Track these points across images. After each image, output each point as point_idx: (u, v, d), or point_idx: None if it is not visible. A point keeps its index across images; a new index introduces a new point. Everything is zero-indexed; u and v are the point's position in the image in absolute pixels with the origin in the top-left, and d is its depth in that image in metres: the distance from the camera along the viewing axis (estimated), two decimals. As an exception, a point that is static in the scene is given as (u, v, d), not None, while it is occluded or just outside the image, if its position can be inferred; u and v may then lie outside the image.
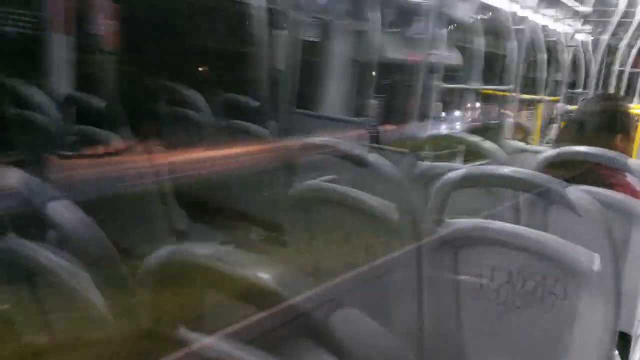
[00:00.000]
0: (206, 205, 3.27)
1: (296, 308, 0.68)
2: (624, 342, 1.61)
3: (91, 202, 1.13)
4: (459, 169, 1.79)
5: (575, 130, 2.38)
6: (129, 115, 2.61)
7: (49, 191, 1.03)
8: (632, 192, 2.21)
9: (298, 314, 0.68)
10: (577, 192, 1.52)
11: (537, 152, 2.85)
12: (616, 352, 1.68)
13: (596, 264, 1.47)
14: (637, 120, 5.36)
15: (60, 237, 1.03)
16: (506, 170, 1.66)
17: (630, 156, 2.39)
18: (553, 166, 2.29)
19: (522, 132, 5.69)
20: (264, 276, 0.72)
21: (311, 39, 4.79)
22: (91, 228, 1.00)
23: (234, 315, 0.82)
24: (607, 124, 2.36)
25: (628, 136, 2.40)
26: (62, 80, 2.94)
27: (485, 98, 6.43)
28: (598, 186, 2.13)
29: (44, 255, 1.13)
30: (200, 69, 4.29)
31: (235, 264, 0.75)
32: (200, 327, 0.86)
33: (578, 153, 2.28)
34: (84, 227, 1.01)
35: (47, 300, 1.19)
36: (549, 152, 2.36)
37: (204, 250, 0.79)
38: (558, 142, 2.46)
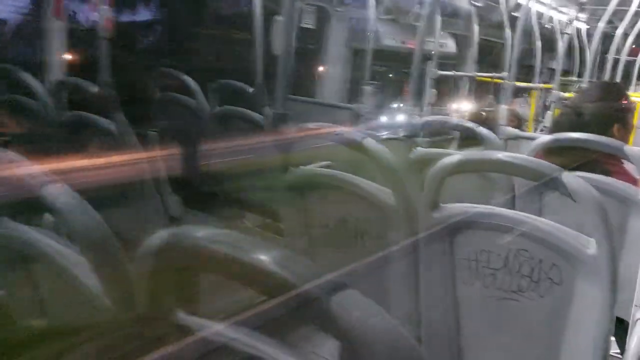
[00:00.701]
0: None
1: (297, 291, 0.68)
2: (621, 328, 1.62)
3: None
4: (454, 155, 1.79)
5: (572, 117, 2.37)
6: (122, 101, 2.60)
7: (44, 174, 1.02)
8: (629, 179, 2.21)
9: (299, 297, 0.68)
10: (572, 178, 1.53)
11: (531, 138, 2.85)
12: (613, 338, 1.70)
13: (592, 248, 1.48)
14: (634, 109, 5.37)
15: (57, 221, 1.02)
16: (501, 155, 1.66)
17: (627, 140, 2.39)
18: (550, 153, 2.29)
19: (517, 119, 5.70)
20: (264, 258, 0.71)
21: (307, 26, 4.78)
22: (88, 212, 0.99)
23: (233, 299, 0.82)
24: (605, 112, 2.35)
25: (626, 125, 2.40)
26: (56, 66, 2.93)
27: (480, 85, 6.44)
28: (595, 173, 2.13)
29: (40, 239, 1.12)
30: (195, 55, 4.28)
31: (234, 246, 0.74)
32: (199, 311, 0.86)
33: (573, 139, 2.27)
34: (81, 211, 1.00)
35: (43, 285, 1.18)
36: (543, 138, 2.36)
37: (203, 232, 0.78)
38: (554, 129, 2.45)
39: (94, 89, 2.55)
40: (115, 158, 2.24)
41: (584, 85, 6.25)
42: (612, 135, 2.32)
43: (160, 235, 0.81)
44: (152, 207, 2.61)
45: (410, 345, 0.69)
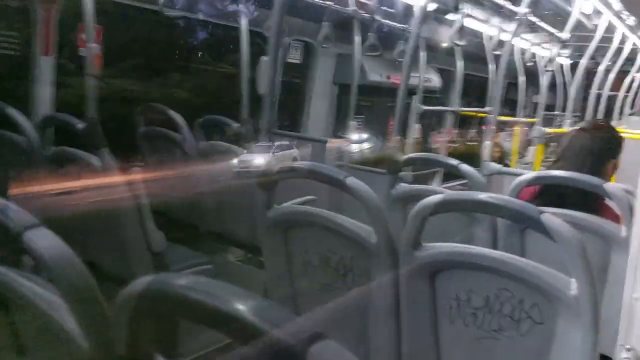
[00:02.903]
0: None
1: (274, 341, 0.68)
2: (606, 365, 1.62)
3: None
4: (436, 192, 1.80)
5: (585, 141, 2.39)
6: (109, 136, 2.60)
7: (25, 217, 1.02)
8: (612, 216, 2.24)
9: (276, 346, 0.68)
10: (550, 218, 1.54)
11: (514, 174, 2.88)
12: None
13: (573, 288, 1.49)
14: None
15: (37, 264, 1.02)
16: (482, 196, 1.67)
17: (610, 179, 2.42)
18: (538, 189, 2.33)
19: (500, 153, 5.76)
20: (243, 308, 0.72)
21: (294, 61, 4.84)
22: (69, 256, 0.99)
23: (212, 347, 0.82)
24: (601, 151, 2.39)
25: (617, 165, 2.44)
26: (44, 102, 2.94)
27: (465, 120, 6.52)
28: (580, 209, 2.15)
29: (19, 281, 1.11)
30: (182, 90, 4.30)
31: (213, 295, 0.75)
32: (178, 358, 0.86)
33: (553, 177, 2.30)
34: (62, 256, 1.00)
35: (22, 327, 1.17)
36: (524, 176, 2.38)
37: (182, 280, 0.78)
38: (564, 153, 2.47)
39: (80, 125, 2.56)
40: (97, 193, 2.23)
41: (567, 119, 6.33)
42: (606, 170, 2.36)
43: (141, 282, 0.81)
44: (135, 241, 2.59)
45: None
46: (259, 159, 2.78)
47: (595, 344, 1.48)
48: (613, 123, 7.99)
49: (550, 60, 5.64)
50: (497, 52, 5.16)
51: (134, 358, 0.86)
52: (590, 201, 2.25)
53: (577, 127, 2.52)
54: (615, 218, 2.22)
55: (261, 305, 0.72)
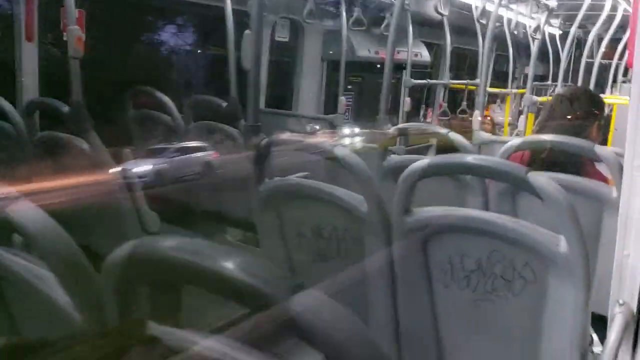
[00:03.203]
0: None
1: (260, 294, 0.69)
2: (601, 324, 1.64)
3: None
4: (423, 159, 1.81)
5: (568, 104, 2.41)
6: (95, 118, 2.59)
7: (8, 191, 1.02)
8: (602, 178, 2.25)
9: (262, 299, 0.68)
10: (539, 178, 1.55)
11: (503, 142, 2.89)
12: (594, 334, 1.71)
13: (562, 246, 1.50)
14: (612, 110, 5.47)
15: (21, 236, 1.02)
16: (469, 158, 1.68)
17: (599, 140, 2.44)
18: (529, 155, 2.34)
19: (491, 125, 5.77)
20: (230, 266, 0.72)
21: (280, 39, 4.80)
22: (53, 227, 0.99)
23: (205, 309, 0.83)
24: (585, 114, 2.40)
25: (600, 127, 2.46)
26: (29, 88, 2.92)
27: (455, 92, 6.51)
28: (569, 173, 2.16)
29: (9, 258, 1.12)
30: (167, 71, 4.28)
31: (198, 254, 0.75)
32: (170, 322, 0.86)
33: (543, 141, 2.31)
34: (49, 230, 1.00)
35: (12, 302, 1.18)
36: (513, 140, 2.39)
37: (168, 242, 0.78)
38: (548, 116, 2.49)
39: (65, 108, 2.54)
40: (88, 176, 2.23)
41: (559, 88, 6.33)
42: (591, 134, 2.37)
43: (126, 247, 0.81)
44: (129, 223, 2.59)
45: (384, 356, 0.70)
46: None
47: (587, 300, 1.50)
48: (607, 91, 8.02)
49: (538, 28, 5.60)
50: (484, 22, 5.12)
51: (125, 325, 0.86)
52: (578, 166, 2.26)
53: (556, 95, 2.53)
54: (605, 180, 2.24)
55: (249, 262, 0.72)
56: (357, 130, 4.58)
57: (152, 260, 0.81)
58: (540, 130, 2.46)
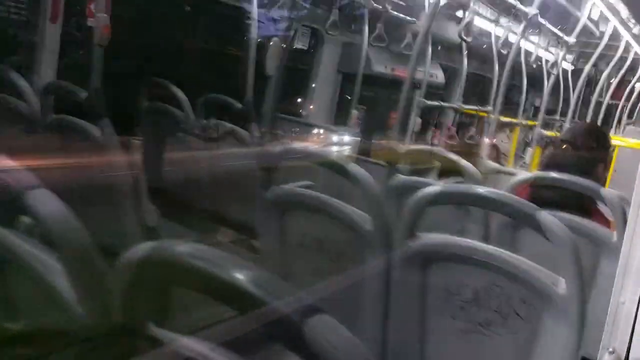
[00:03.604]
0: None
1: (270, 311, 0.69)
2: (588, 368, 1.64)
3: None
4: (434, 185, 1.81)
5: (569, 151, 2.41)
6: (111, 108, 2.60)
7: (27, 177, 1.02)
8: (603, 221, 2.25)
9: (271, 316, 0.69)
10: (547, 217, 1.56)
11: (511, 174, 2.90)
12: None
13: (561, 287, 1.50)
14: (613, 151, 5.48)
15: (35, 225, 1.02)
16: (480, 190, 1.68)
17: (604, 181, 2.44)
18: (532, 189, 2.34)
19: (497, 153, 5.77)
20: (240, 277, 0.72)
21: (300, 47, 4.82)
22: (70, 220, 0.99)
23: (206, 315, 0.83)
24: (597, 149, 2.40)
25: (607, 167, 2.46)
26: (48, 69, 2.93)
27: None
28: (572, 212, 2.16)
29: (16, 242, 1.11)
30: (187, 68, 4.29)
31: (212, 263, 0.75)
32: (172, 326, 0.86)
33: (553, 179, 2.31)
34: (63, 219, 1.00)
35: (16, 289, 1.17)
36: (524, 175, 2.40)
37: (182, 247, 0.79)
38: (549, 160, 2.49)
39: (83, 94, 2.55)
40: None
41: (567, 124, 6.34)
42: (596, 174, 2.37)
43: (140, 248, 0.82)
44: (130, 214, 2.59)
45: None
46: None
47: (579, 344, 1.50)
48: (611, 132, 8.03)
49: (555, 64, 5.63)
50: (503, 51, 5.15)
51: (128, 325, 0.87)
52: (583, 205, 2.26)
53: (560, 138, 2.53)
54: (606, 223, 2.24)
55: (260, 276, 0.73)
56: (366, 144, 4.59)
57: (165, 265, 0.81)
58: (544, 168, 2.46)
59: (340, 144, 4.08)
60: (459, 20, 4.67)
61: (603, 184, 2.39)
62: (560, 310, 1.51)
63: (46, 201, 1.00)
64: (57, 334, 1.00)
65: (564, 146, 2.45)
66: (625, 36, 5.64)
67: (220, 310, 0.77)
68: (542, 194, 2.33)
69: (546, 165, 2.47)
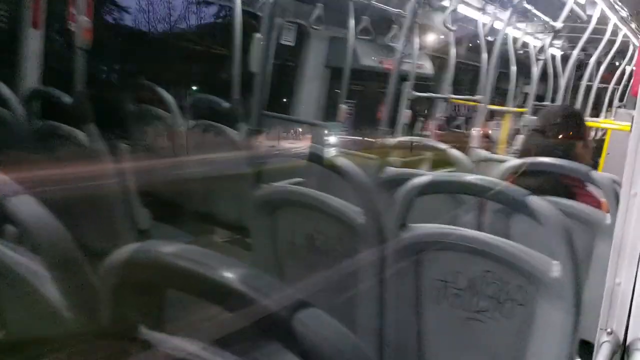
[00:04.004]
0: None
1: (261, 308, 0.68)
2: (588, 351, 1.64)
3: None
4: (424, 176, 1.81)
5: (539, 140, 2.42)
6: (96, 112, 2.58)
7: (9, 184, 1.01)
8: (594, 202, 2.26)
9: (262, 313, 0.68)
10: (539, 201, 1.55)
11: (502, 161, 2.89)
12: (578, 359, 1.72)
13: (556, 271, 1.50)
14: (604, 134, 5.50)
15: (20, 233, 1.01)
16: (471, 177, 1.68)
17: (590, 162, 2.45)
18: (517, 175, 2.33)
19: (488, 142, 5.77)
20: (229, 276, 0.71)
21: (286, 43, 4.80)
22: (53, 225, 0.98)
23: (197, 315, 0.82)
24: (569, 133, 2.40)
25: (587, 144, 2.46)
26: (32, 75, 2.90)
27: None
28: (561, 196, 2.17)
29: (1, 251, 1.10)
30: (172, 67, 4.27)
31: (200, 263, 0.74)
32: (163, 327, 0.85)
33: (543, 164, 2.31)
34: (46, 224, 0.99)
35: (3, 297, 1.16)
36: (513, 161, 2.40)
37: (168, 248, 0.77)
38: (522, 148, 2.51)
39: (68, 99, 2.53)
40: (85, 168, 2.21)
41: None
42: (576, 153, 2.37)
43: (125, 250, 0.81)
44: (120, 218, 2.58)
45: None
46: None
47: (576, 326, 1.50)
48: (602, 115, 8.06)
49: (542, 50, 5.63)
50: (491, 39, 5.14)
51: (117, 328, 0.86)
52: (568, 189, 2.27)
53: (532, 129, 2.54)
54: (598, 205, 2.25)
55: (248, 273, 0.72)
56: (356, 139, 4.58)
57: (151, 265, 0.80)
58: (523, 154, 2.47)
59: (329, 139, 4.06)
60: (445, 10, 4.66)
61: (589, 163, 2.39)
62: (556, 294, 1.51)
63: (29, 208, 0.99)
64: (45, 340, 0.98)
65: (534, 134, 2.46)
66: (613, 19, 5.65)
67: (212, 310, 0.76)
68: (525, 181, 2.33)
69: (527, 147, 2.48)
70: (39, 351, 0.91)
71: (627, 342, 1.12)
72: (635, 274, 1.10)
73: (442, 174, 1.88)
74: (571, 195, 2.24)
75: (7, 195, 0.99)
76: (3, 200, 0.99)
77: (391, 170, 2.67)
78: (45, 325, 1.05)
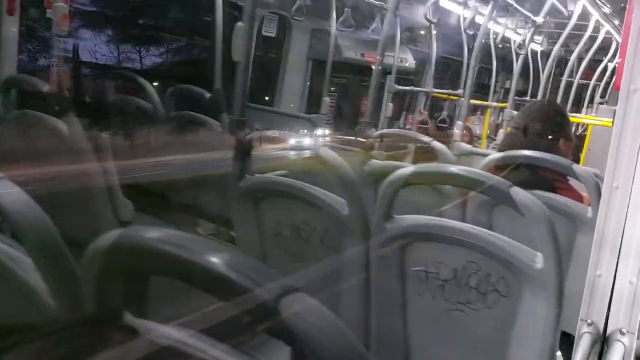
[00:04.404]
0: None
1: (247, 294, 0.67)
2: (568, 342, 1.65)
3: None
4: (407, 167, 1.81)
5: (520, 137, 2.42)
6: (75, 102, 2.54)
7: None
8: (576, 196, 2.27)
9: (248, 300, 0.67)
10: (521, 193, 1.56)
11: (484, 155, 2.91)
12: (559, 352, 1.73)
13: (539, 262, 1.51)
14: (585, 130, 5.57)
15: (2, 220, 0.99)
16: (454, 168, 1.68)
17: (571, 157, 2.46)
18: (499, 169, 2.34)
19: (470, 136, 5.81)
20: (215, 261, 0.71)
21: (268, 34, 4.78)
22: (35, 212, 0.96)
23: (183, 302, 0.81)
24: (550, 128, 2.41)
25: (568, 139, 2.47)
26: (8, 63, 2.84)
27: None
28: (542, 190, 2.18)
29: None
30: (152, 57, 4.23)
31: (183, 247, 0.73)
32: (147, 314, 0.84)
33: (524, 157, 2.32)
34: (28, 211, 0.97)
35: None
36: (495, 154, 2.41)
37: (152, 233, 0.76)
38: (503, 146, 2.51)
39: (45, 87, 2.48)
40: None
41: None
42: (558, 150, 2.38)
43: (108, 236, 0.79)
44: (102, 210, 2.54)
45: (359, 351, 0.69)
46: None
47: (558, 317, 1.52)
48: (583, 111, 8.13)
49: (522, 44, 5.67)
50: (471, 33, 5.16)
51: (102, 315, 0.84)
52: (550, 183, 2.28)
53: (513, 127, 2.53)
54: (579, 198, 2.27)
55: (232, 258, 0.71)
56: (339, 132, 4.59)
57: (135, 251, 0.79)
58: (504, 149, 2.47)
59: (312, 131, 4.05)
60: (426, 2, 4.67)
61: (571, 159, 2.41)
62: (539, 285, 1.52)
63: (10, 194, 0.97)
64: (30, 328, 0.97)
65: (516, 132, 2.46)
66: (595, 15, 5.69)
67: (196, 296, 0.75)
68: (508, 176, 2.34)
69: (508, 144, 2.48)
70: (25, 338, 0.89)
71: (607, 333, 1.14)
72: (615, 266, 1.11)
73: (425, 165, 1.88)
74: (553, 189, 2.26)
75: None
76: None
77: (375, 162, 2.67)
78: (29, 313, 1.04)
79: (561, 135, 2.43)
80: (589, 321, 1.15)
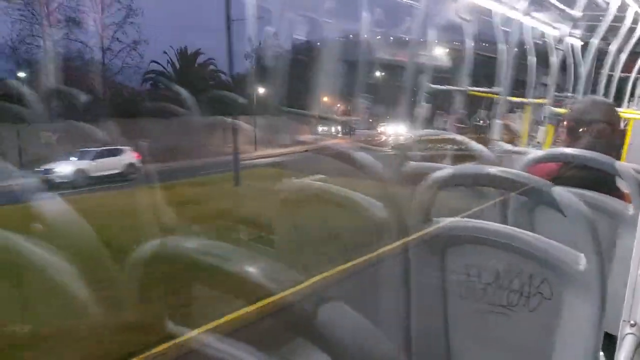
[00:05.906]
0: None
1: (284, 302, 0.68)
2: (610, 343, 1.63)
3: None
4: (446, 169, 1.79)
5: (569, 134, 2.37)
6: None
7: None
8: (619, 194, 2.22)
9: (286, 308, 0.68)
10: (562, 193, 1.53)
11: (524, 153, 2.86)
12: (602, 353, 1.70)
13: (582, 263, 1.48)
14: (626, 125, 5.43)
15: (45, 229, 1.02)
16: (493, 170, 1.66)
17: (620, 159, 2.40)
18: (555, 175, 2.30)
19: (510, 134, 5.73)
20: (252, 270, 0.71)
21: (300, 37, 4.80)
22: (78, 220, 0.99)
23: (221, 309, 0.82)
24: (601, 128, 2.36)
25: (620, 136, 2.42)
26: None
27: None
28: (586, 188, 2.13)
29: (28, 247, 1.12)
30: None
31: (223, 258, 0.74)
32: (187, 321, 0.86)
33: (565, 155, 2.28)
34: (71, 220, 1.00)
35: (31, 289, 1.18)
36: (535, 153, 2.37)
37: (192, 243, 0.78)
38: (554, 146, 2.47)
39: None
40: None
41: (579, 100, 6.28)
42: (612, 148, 2.33)
43: (151, 245, 0.81)
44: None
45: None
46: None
47: (602, 319, 1.48)
48: (623, 105, 7.95)
49: (561, 40, 5.56)
50: (507, 29, 5.09)
51: (144, 321, 0.86)
52: (607, 186, 2.23)
53: (568, 126, 2.48)
54: (623, 196, 2.22)
55: (271, 267, 0.72)
56: (374, 132, 4.58)
57: (176, 259, 0.80)
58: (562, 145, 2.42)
59: (349, 133, 4.06)
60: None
61: (619, 157, 2.35)
62: (582, 287, 1.49)
63: (52, 203, 1.00)
64: (71, 331, 1.00)
65: (572, 131, 2.41)
66: (633, 6, 5.55)
67: (235, 305, 0.76)
68: (564, 176, 2.29)
69: (556, 142, 2.44)
70: (66, 341, 0.91)
71: None
72: None
73: (463, 166, 1.86)
74: (607, 189, 2.21)
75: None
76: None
77: (412, 164, 2.65)
78: (71, 317, 1.07)
79: (615, 132, 2.38)
80: (631, 322, 1.12)
